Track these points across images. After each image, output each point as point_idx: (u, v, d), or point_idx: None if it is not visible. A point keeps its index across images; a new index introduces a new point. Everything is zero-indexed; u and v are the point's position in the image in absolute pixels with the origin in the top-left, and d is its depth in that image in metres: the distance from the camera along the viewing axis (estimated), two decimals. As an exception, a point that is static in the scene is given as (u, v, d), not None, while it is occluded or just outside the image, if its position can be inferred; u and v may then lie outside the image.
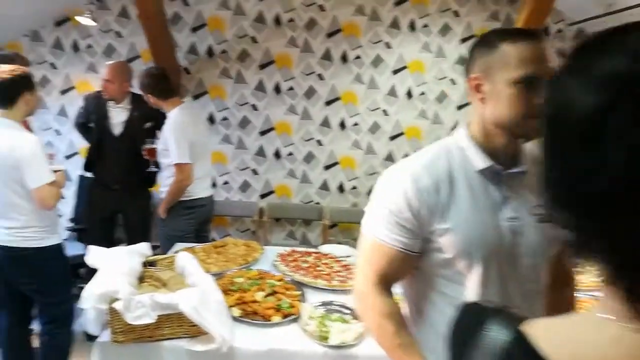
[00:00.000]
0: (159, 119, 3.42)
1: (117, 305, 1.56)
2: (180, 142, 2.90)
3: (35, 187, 2.25)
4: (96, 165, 3.31)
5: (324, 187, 4.31)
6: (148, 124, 3.37)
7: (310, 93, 4.16)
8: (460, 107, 4.22)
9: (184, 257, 2.05)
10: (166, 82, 3.04)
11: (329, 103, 4.18)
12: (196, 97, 4.15)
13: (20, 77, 2.31)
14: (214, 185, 3.92)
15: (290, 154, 4.25)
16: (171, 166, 2.96)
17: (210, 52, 4.08)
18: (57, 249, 2.39)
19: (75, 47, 4.06)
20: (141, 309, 1.56)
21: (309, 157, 4.26)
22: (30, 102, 2.36)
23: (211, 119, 4.18)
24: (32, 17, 3.87)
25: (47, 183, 2.27)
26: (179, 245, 2.78)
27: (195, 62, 4.10)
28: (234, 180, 4.28)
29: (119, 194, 3.33)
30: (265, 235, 4.31)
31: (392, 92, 4.18)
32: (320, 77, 4.13)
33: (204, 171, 3.15)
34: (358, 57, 4.11)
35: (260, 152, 4.24)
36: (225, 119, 4.18)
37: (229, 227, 4.35)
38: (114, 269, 1.75)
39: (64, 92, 4.12)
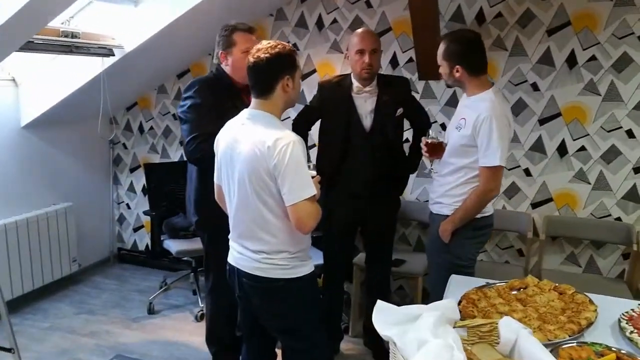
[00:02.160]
0: (409, 102, 2.72)
1: None
2: (505, 139, 2.13)
3: (292, 204, 1.70)
4: (340, 170, 2.68)
5: (632, 196, 3.07)
6: (399, 110, 2.65)
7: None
8: None
9: (514, 327, 1.23)
10: (483, 51, 2.25)
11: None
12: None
13: (282, 56, 1.77)
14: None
15: (583, 148, 3.12)
16: (468, 169, 2.21)
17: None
18: (311, 279, 1.82)
19: (320, 24, 3.57)
20: None
21: (610, 155, 3.07)
22: (292, 89, 1.81)
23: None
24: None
25: (307, 198, 1.70)
26: (456, 279, 2.00)
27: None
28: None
29: (365, 201, 2.70)
30: (541, 256, 3.26)
31: None
32: None
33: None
34: None
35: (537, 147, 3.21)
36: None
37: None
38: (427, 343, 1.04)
39: (304, 77, 3.68)
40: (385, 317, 1.30)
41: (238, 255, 1.87)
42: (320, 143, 2.81)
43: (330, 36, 3.55)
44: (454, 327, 1.28)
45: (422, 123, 2.80)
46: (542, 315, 1.68)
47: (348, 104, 2.64)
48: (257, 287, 1.81)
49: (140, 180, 4.29)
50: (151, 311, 3.55)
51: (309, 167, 1.82)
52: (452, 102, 3.31)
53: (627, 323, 1.58)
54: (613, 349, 1.41)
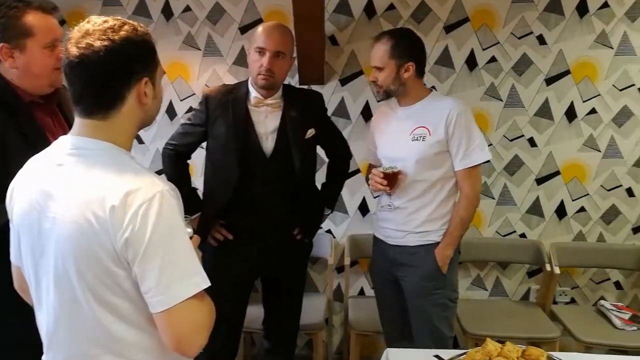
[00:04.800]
0: (323, 123, 2.12)
1: None
2: (480, 134, 1.94)
3: (164, 309, 0.94)
4: (234, 208, 1.99)
5: (536, 210, 2.83)
6: (311, 132, 2.01)
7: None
8: None
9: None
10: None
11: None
12: (345, 80, 2.75)
13: (135, 44, 1.00)
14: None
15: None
16: (444, 180, 1.95)
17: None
18: None
19: (167, 12, 2.74)
20: None
21: (513, 167, 2.78)
22: (151, 98, 1.05)
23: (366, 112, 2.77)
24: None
25: (192, 297, 0.96)
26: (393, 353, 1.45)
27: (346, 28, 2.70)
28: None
29: (267, 247, 2.04)
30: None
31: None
32: None
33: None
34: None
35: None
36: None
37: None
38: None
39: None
40: None
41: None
42: (206, 174, 2.08)
43: (182, 28, 2.74)
44: None
45: (338, 151, 2.19)
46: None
47: (243, 120, 1.94)
48: None
49: None
50: None
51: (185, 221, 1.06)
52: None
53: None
54: None
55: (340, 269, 2.82)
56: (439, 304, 1.96)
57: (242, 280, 2.09)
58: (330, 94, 2.71)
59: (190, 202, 2.07)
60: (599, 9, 2.60)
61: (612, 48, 2.64)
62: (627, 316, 2.56)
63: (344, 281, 2.80)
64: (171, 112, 2.81)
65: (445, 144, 1.89)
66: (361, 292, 2.91)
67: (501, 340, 2.27)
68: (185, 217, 1.06)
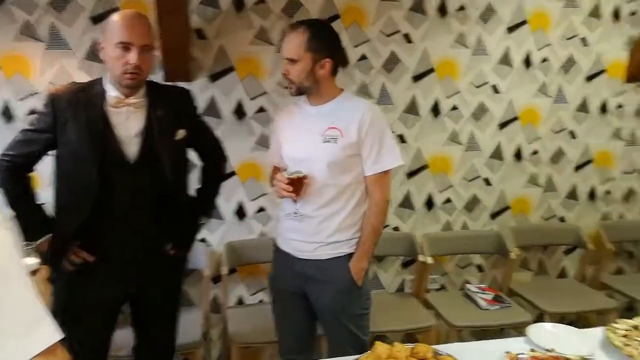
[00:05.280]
0: (194, 123, 1.92)
1: None
2: (393, 138, 1.86)
3: None
4: (93, 224, 1.72)
5: (407, 203, 2.93)
6: (181, 133, 1.81)
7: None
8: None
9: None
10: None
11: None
12: (215, 76, 2.57)
13: None
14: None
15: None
16: (355, 185, 1.82)
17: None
18: None
19: (-5, -5, 2.31)
20: None
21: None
22: None
23: (240, 112, 2.62)
24: None
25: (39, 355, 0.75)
26: None
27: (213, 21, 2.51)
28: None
29: (135, 267, 1.80)
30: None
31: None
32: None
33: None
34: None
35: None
36: (262, 110, 2.65)
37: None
38: None
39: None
40: None
41: None
42: (57, 188, 1.78)
43: (17, 15, 2.33)
44: None
45: (213, 153, 2.00)
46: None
47: (100, 123, 1.68)
48: None
49: None
50: None
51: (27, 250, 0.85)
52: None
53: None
54: None
55: (216, 278, 2.65)
56: (356, 314, 1.88)
57: (106, 306, 1.83)
58: (199, 91, 2.51)
59: (36, 223, 1.77)
60: (457, 10, 2.75)
61: (469, 48, 2.82)
62: (490, 297, 2.77)
63: (221, 292, 2.64)
64: (7, 114, 2.40)
65: (357, 147, 1.77)
66: (240, 302, 2.78)
67: (382, 335, 2.33)
68: (27, 246, 0.85)
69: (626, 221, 3.29)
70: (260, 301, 2.78)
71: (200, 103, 2.51)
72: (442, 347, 1.65)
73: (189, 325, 2.36)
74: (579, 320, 2.94)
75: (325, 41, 1.74)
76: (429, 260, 2.78)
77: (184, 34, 2.33)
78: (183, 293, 2.17)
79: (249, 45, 2.56)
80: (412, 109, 2.81)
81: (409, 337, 2.67)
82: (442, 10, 2.74)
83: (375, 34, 2.68)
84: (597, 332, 1.62)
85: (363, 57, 2.70)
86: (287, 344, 2.03)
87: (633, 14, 2.99)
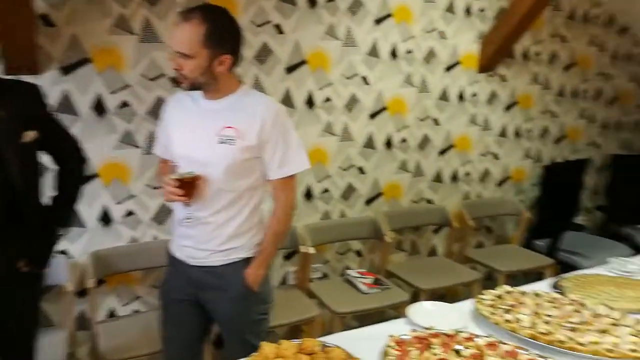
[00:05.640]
0: (44, 122, 1.70)
1: None
2: (297, 138, 1.75)
3: None
4: None
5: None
6: (31, 134, 1.58)
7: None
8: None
9: None
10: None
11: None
12: (68, 69, 2.30)
13: None
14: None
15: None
16: (253, 190, 1.71)
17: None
18: None
19: None
20: None
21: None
22: None
23: (99, 107, 2.38)
24: None
25: None
26: None
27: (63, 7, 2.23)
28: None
29: None
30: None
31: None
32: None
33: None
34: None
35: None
36: (125, 105, 2.43)
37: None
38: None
39: None
40: None
41: None
42: None
43: None
44: None
45: (70, 155, 1.77)
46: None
47: None
48: None
49: None
50: None
51: None
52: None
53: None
54: None
55: (82, 292, 2.39)
56: (253, 321, 1.79)
57: None
58: (50, 85, 2.23)
59: None
60: (327, 1, 2.77)
61: (339, 40, 2.86)
62: (370, 280, 2.87)
63: (89, 306, 2.40)
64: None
65: (257, 149, 1.64)
66: (112, 315, 2.55)
67: (269, 331, 2.29)
68: None
69: (483, 199, 3.63)
70: (136, 311, 2.58)
71: (52, 99, 2.23)
72: (328, 339, 1.66)
73: (50, 348, 2.11)
74: (449, 294, 3.18)
75: (225, 35, 1.57)
76: (311, 250, 2.80)
77: (27, 19, 2.04)
78: (41, 313, 1.92)
79: (107, 35, 2.32)
80: (286, 101, 2.79)
81: (295, 328, 2.67)
82: (312, 1, 2.74)
83: (246, 24, 2.59)
84: (467, 305, 1.74)
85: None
86: (174, 354, 1.90)
87: (482, 10, 3.27)
